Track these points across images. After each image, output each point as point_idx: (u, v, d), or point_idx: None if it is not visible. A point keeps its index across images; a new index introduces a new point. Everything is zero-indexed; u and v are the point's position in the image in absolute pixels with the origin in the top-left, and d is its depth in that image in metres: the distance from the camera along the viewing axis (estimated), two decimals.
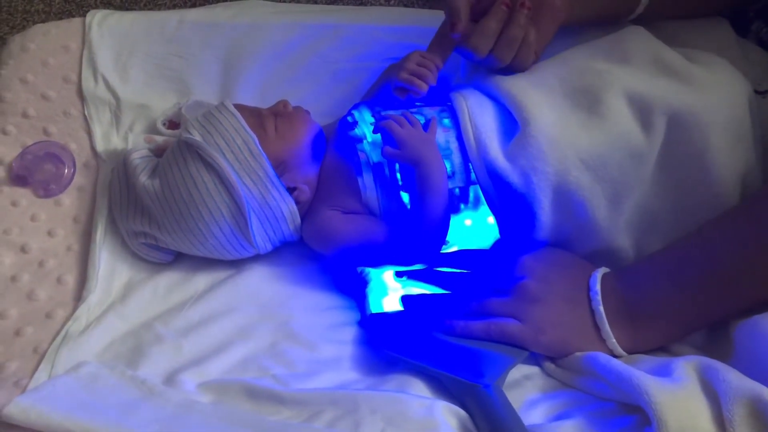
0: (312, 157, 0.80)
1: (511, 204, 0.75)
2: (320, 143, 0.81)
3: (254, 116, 0.79)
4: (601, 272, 0.71)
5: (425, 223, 0.72)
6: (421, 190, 0.73)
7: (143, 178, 0.77)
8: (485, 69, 0.83)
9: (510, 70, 0.81)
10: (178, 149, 0.76)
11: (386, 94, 0.83)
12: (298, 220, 0.78)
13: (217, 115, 0.77)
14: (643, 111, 0.73)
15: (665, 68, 0.75)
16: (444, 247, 0.77)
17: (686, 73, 0.75)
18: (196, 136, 0.75)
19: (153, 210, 0.76)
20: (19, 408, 0.59)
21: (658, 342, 0.69)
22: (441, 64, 0.80)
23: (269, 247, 0.79)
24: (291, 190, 0.77)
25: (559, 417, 0.64)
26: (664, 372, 0.60)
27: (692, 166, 0.72)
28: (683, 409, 0.56)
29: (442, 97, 0.81)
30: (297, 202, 0.78)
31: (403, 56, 0.81)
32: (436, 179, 0.73)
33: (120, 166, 0.80)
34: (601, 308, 0.68)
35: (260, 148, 0.75)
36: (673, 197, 0.74)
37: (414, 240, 0.73)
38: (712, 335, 0.70)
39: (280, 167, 0.77)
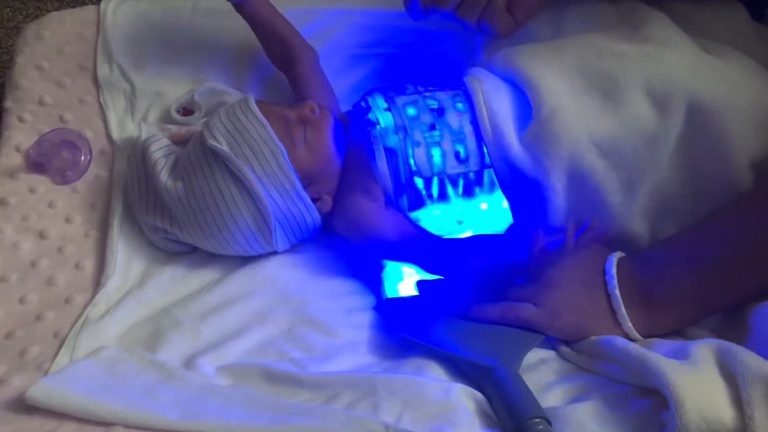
0: (337, 165, 0.80)
1: (524, 188, 0.75)
2: (342, 144, 0.81)
3: (282, 123, 0.77)
4: (616, 256, 0.71)
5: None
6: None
7: (164, 178, 0.76)
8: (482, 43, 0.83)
9: (484, 32, 0.81)
10: (203, 155, 0.75)
11: (398, 79, 0.82)
12: (320, 224, 0.79)
13: (244, 122, 0.76)
14: (661, 96, 0.72)
15: (685, 54, 0.75)
16: (459, 231, 0.77)
17: (707, 59, 0.74)
18: (223, 145, 0.74)
19: (175, 213, 0.76)
20: (41, 390, 0.60)
21: (674, 326, 0.69)
22: None
23: (288, 247, 0.80)
24: (314, 200, 0.78)
25: (576, 400, 0.64)
26: (681, 355, 0.60)
27: (710, 152, 0.72)
28: (701, 391, 0.56)
29: (455, 81, 0.81)
30: (319, 212, 0.78)
31: None
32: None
33: (138, 157, 0.79)
34: (617, 292, 0.68)
35: (289, 162, 0.75)
36: (690, 183, 0.73)
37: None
38: (727, 319, 0.69)
39: (307, 180, 0.77)
